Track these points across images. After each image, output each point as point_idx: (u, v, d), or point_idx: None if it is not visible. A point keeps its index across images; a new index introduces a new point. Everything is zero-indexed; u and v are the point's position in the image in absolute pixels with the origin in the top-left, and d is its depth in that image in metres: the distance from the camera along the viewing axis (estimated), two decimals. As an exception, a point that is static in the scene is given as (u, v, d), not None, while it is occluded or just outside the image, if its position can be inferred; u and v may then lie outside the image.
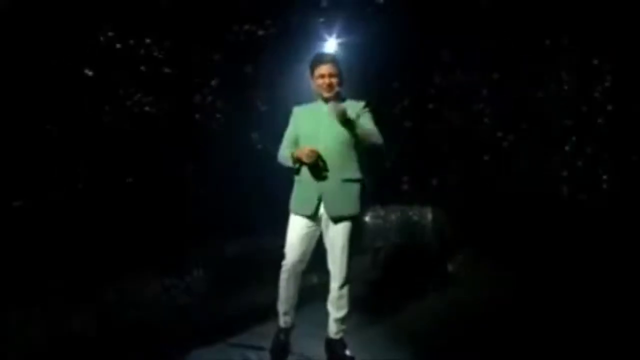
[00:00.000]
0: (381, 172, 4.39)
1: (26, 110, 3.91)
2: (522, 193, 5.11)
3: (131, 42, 4.51)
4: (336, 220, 2.73)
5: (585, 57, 5.29)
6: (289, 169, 2.87)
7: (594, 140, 5.30)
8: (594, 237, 4.77)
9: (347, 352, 2.88)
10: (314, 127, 2.77)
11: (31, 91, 3.93)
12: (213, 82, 4.91)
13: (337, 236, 2.76)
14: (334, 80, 2.76)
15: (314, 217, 2.77)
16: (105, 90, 4.34)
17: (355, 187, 2.77)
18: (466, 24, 5.13)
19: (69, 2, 4.10)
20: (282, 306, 2.94)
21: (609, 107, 5.34)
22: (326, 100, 2.76)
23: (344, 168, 2.74)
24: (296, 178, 2.85)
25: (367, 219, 4.70)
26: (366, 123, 2.76)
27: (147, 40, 4.63)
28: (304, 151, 2.67)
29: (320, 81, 2.76)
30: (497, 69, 5.18)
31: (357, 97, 2.89)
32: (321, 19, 5.47)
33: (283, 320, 2.99)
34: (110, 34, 4.38)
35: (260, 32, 5.51)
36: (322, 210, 2.76)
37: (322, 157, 2.70)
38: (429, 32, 5.27)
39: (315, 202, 2.74)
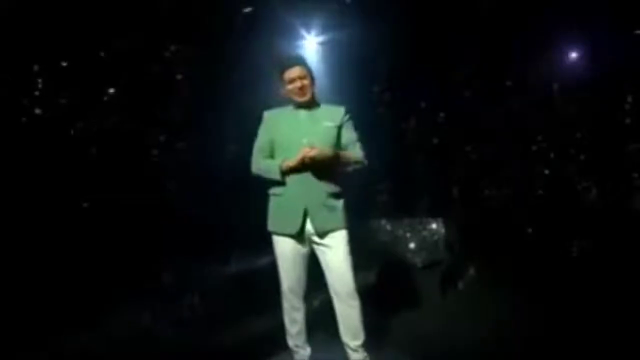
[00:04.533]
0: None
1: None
2: (528, 203, 4.86)
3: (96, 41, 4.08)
4: (325, 235, 2.54)
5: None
6: (261, 180, 2.63)
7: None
8: (603, 248, 4.55)
9: None
10: (292, 135, 2.56)
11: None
12: (179, 77, 4.31)
13: (334, 248, 2.54)
14: (306, 82, 2.54)
15: (299, 235, 2.55)
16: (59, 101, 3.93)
17: (341, 199, 2.59)
18: (458, 21, 4.80)
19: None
20: (292, 340, 2.73)
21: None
22: (301, 105, 2.58)
23: (328, 180, 2.55)
24: (274, 192, 2.60)
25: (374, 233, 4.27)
26: (349, 137, 2.62)
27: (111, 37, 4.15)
28: (301, 154, 2.44)
29: (291, 86, 2.54)
30: (495, 69, 4.85)
31: (339, 102, 2.68)
32: (298, 16, 4.95)
33: (299, 356, 2.75)
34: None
35: (229, 31, 4.90)
36: (308, 226, 2.54)
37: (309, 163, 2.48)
38: (418, 29, 4.87)
39: (301, 217, 2.52)
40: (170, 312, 3.61)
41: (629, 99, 5.08)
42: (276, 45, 4.87)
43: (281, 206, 2.58)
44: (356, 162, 2.60)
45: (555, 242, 4.76)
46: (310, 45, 5.17)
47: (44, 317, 3.30)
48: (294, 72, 2.51)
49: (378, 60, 5.08)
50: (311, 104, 2.59)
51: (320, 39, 5.15)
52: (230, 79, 4.62)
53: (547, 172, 5.13)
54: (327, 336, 2.88)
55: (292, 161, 2.47)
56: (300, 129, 2.54)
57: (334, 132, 2.55)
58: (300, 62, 2.56)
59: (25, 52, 3.72)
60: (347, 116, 2.62)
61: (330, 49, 5.12)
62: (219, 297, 3.85)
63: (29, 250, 3.54)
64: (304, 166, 2.45)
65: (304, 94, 2.53)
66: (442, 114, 5.08)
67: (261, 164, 2.60)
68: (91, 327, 3.33)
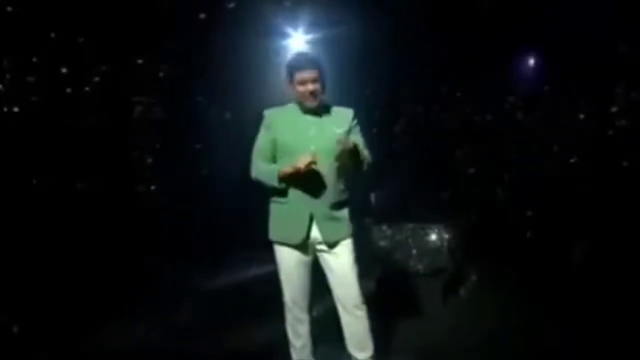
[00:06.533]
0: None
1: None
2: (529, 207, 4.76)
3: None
4: (331, 244, 2.47)
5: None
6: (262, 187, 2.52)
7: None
8: (604, 252, 4.42)
9: None
10: (299, 141, 2.44)
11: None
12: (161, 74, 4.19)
13: (340, 257, 2.46)
14: (318, 87, 2.40)
15: (303, 243, 2.46)
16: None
17: (345, 209, 2.53)
18: (453, 19, 4.68)
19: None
20: (296, 353, 2.64)
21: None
22: (308, 109, 2.45)
23: (335, 187, 2.46)
24: (276, 200, 2.50)
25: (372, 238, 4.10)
26: (359, 140, 2.51)
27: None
28: (301, 161, 2.28)
29: (301, 88, 2.39)
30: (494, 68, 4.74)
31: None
32: (283, 11, 4.75)
33: None
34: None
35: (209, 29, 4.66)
36: (313, 233, 2.46)
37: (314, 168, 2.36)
38: (412, 26, 4.72)
39: (306, 225, 2.43)
40: (169, 321, 3.53)
41: (627, 99, 5.08)
42: (262, 44, 4.70)
43: (284, 214, 2.47)
44: (367, 163, 2.51)
45: (557, 246, 4.64)
46: (298, 43, 4.97)
47: (39, 324, 3.26)
48: (306, 74, 2.36)
49: (372, 59, 4.89)
50: (318, 107, 2.45)
51: (308, 37, 4.97)
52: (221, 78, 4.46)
53: (546, 173, 5.02)
54: (333, 349, 2.74)
55: (289, 168, 2.32)
56: (308, 134, 2.41)
57: (343, 137, 2.44)
58: (315, 64, 2.40)
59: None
60: (356, 120, 2.51)
61: (319, 48, 4.91)
62: (219, 305, 3.78)
63: (23, 256, 3.48)
64: (303, 174, 2.30)
65: (314, 99, 2.38)
66: (439, 114, 4.92)
67: (260, 168, 2.48)
68: (88, 332, 3.29)
